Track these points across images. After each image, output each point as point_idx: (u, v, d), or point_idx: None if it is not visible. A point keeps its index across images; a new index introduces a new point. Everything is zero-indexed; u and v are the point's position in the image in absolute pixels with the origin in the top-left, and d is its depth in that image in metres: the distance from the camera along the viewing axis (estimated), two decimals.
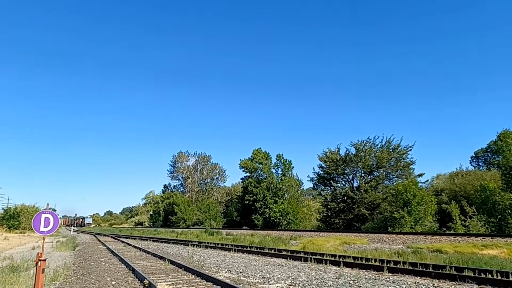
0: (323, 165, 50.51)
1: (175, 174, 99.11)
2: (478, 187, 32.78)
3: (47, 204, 7.96)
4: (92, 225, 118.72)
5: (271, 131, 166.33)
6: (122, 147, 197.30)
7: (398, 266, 11.92)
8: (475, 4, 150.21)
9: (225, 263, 14.18)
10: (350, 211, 44.38)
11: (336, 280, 9.87)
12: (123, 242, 29.64)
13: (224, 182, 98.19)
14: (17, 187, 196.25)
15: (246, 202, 60.30)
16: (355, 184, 47.58)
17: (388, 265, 11.96)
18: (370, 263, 12.91)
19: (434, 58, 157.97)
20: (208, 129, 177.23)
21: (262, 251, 18.85)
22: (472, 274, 9.80)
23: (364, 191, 43.96)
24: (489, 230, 28.77)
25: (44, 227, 7.64)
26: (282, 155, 63.04)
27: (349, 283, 9.38)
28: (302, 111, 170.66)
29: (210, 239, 31.86)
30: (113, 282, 9.97)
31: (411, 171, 43.89)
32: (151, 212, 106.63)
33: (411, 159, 44.44)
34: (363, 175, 47.02)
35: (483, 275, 9.71)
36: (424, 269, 11.09)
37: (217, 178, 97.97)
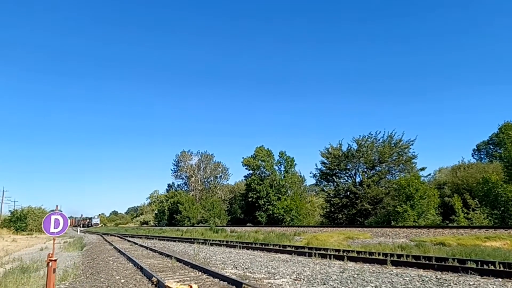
0: (325, 161, 50.68)
1: (179, 173, 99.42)
2: (481, 179, 32.90)
3: (56, 206, 8.17)
4: (99, 225, 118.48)
5: (273, 129, 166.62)
6: (126, 147, 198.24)
7: (401, 259, 12.10)
8: None
9: (230, 260, 14.39)
10: (353, 206, 44.55)
11: (340, 274, 10.06)
12: (129, 241, 29.91)
13: (227, 180, 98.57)
14: (23, 189, 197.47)
15: (250, 199, 60.57)
16: (358, 179, 47.72)
17: (392, 258, 12.14)
18: (373, 257, 13.09)
19: (434, 52, 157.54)
20: (210, 127, 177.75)
21: (266, 247, 19.05)
22: (474, 266, 9.97)
23: (367, 186, 44.10)
24: (492, 222, 28.90)
25: (54, 228, 7.84)
26: (284, 152, 63.23)
27: (353, 276, 9.56)
28: (303, 107, 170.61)
29: (215, 236, 32.11)
30: (122, 281, 10.19)
31: (413, 165, 43.99)
32: (156, 211, 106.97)
33: (413, 153, 44.57)
34: (365, 170, 47.17)
35: (485, 267, 9.87)
36: (427, 262, 11.26)
37: (220, 176, 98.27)
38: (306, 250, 16.41)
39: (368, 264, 12.14)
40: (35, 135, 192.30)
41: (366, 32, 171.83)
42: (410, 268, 10.86)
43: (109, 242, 29.11)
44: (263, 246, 19.57)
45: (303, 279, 9.60)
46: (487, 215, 29.69)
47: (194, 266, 12.33)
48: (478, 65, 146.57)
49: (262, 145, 64.19)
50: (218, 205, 73.93)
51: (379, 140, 46.51)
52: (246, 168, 64.96)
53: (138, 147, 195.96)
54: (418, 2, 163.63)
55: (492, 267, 9.80)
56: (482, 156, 66.53)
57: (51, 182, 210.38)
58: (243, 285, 8.21)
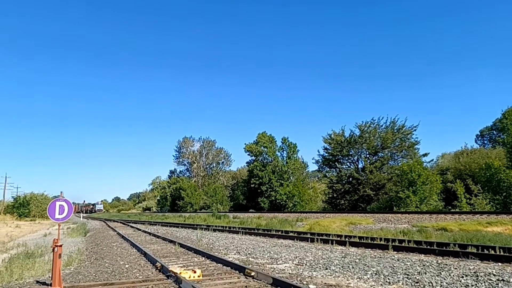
0: (328, 147, 50.73)
1: (181, 160, 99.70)
2: (483, 165, 32.89)
3: (61, 192, 8.21)
4: (103, 211, 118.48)
5: (276, 115, 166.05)
6: (128, 133, 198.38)
7: (403, 244, 12.19)
8: None
9: (233, 245, 14.51)
10: (355, 192, 44.72)
11: (342, 259, 10.14)
12: (132, 227, 30.16)
13: (229, 166, 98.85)
14: (25, 176, 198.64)
15: (252, 185, 60.82)
16: (360, 165, 47.82)
17: (393, 243, 12.21)
18: (375, 242, 13.19)
19: (438, 37, 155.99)
20: (212, 113, 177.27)
21: (269, 233, 19.19)
22: (475, 251, 10.04)
23: (369, 172, 44.19)
24: (494, 207, 28.99)
25: (59, 214, 7.91)
26: (287, 138, 63.27)
27: (355, 261, 9.64)
28: (306, 93, 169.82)
29: (217, 222, 32.33)
30: (126, 266, 10.30)
31: (415, 151, 44.03)
32: (158, 198, 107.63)
33: (416, 139, 44.58)
34: (368, 156, 47.22)
35: (486, 252, 9.94)
36: (428, 247, 11.33)
37: (223, 162, 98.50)
38: (309, 235, 16.52)
39: (370, 249, 12.23)
40: (37, 121, 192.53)
41: (368, 16, 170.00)
42: (412, 253, 10.94)
43: (112, 228, 29.36)
44: (266, 232, 19.71)
45: (306, 264, 9.69)
46: (489, 201, 29.78)
47: (197, 252, 12.45)
48: (482, 50, 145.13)
49: (265, 131, 64.23)
50: (221, 191, 74.28)
51: (381, 126, 46.49)
52: (249, 154, 65.15)
53: (140, 133, 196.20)
54: None
55: (492, 252, 9.87)
56: (486, 142, 66.44)
57: (53, 168, 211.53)
58: (246, 270, 8.29)
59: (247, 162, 68.42)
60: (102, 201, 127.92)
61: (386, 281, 7.42)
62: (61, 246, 7.60)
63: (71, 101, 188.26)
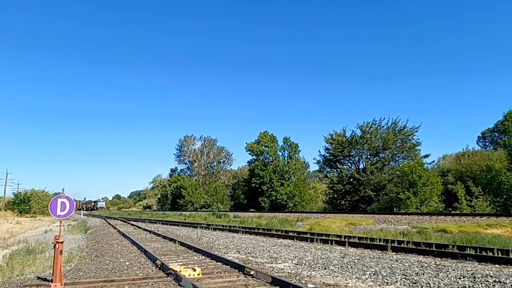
0: (329, 147, 50.81)
1: (182, 158, 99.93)
2: (484, 167, 32.91)
3: (63, 189, 8.28)
4: (105, 209, 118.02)
5: (277, 114, 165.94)
6: (129, 131, 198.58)
7: (401, 245, 12.23)
8: None
9: (233, 244, 14.58)
10: (356, 193, 44.77)
11: (341, 259, 10.20)
12: (132, 225, 30.26)
13: (230, 166, 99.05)
14: (26, 172, 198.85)
15: (253, 185, 60.91)
16: (361, 166, 47.88)
17: (392, 244, 12.26)
18: (374, 243, 13.24)
19: (439, 38, 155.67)
20: (214, 112, 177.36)
21: (269, 232, 19.25)
22: (473, 252, 10.09)
23: (370, 172, 44.23)
24: (494, 210, 29.01)
25: (60, 211, 7.97)
26: (289, 138, 63.33)
27: (354, 262, 9.70)
28: (308, 92, 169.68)
29: (218, 221, 32.40)
30: (127, 263, 10.37)
31: (417, 152, 44.06)
32: (159, 196, 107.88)
33: (417, 140, 44.61)
34: (369, 157, 47.28)
35: (484, 253, 9.98)
36: (427, 248, 11.39)
37: (224, 161, 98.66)
38: (308, 235, 16.57)
39: (369, 249, 12.28)
40: (38, 117, 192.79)
41: (370, 16, 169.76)
42: (410, 254, 10.99)
43: (112, 225, 29.45)
44: (266, 231, 19.77)
45: (305, 264, 9.75)
46: (490, 203, 29.79)
47: (197, 250, 12.51)
48: (484, 51, 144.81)
49: (266, 131, 64.29)
50: (221, 190, 74.38)
51: (383, 126, 46.54)
52: (250, 154, 65.28)
53: (141, 131, 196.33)
54: None
55: (490, 254, 9.91)
56: (487, 144, 66.42)
57: (54, 165, 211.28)
58: (246, 268, 8.35)
59: (248, 162, 68.61)
60: (102, 198, 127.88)
61: (384, 282, 7.48)
62: (62, 242, 7.67)
63: (73, 98, 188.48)
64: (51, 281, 7.41)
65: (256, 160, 63.51)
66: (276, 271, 8.83)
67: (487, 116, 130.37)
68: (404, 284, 7.21)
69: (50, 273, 8.47)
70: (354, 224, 24.51)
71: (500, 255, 9.65)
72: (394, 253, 11.36)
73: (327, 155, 51.21)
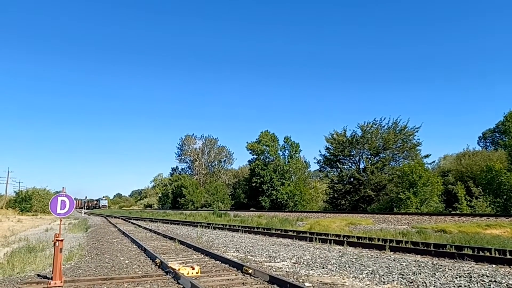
0: (330, 146, 50.84)
1: (183, 157, 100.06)
2: (484, 167, 32.93)
3: (63, 187, 8.35)
4: (107, 207, 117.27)
5: (279, 113, 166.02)
6: (130, 130, 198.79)
7: (400, 245, 12.28)
8: None
9: (233, 243, 14.65)
10: (356, 193, 44.82)
11: (339, 258, 10.26)
12: (133, 224, 30.34)
13: (231, 165, 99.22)
14: (27, 170, 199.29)
15: (253, 184, 61.01)
16: (361, 166, 47.94)
17: (391, 244, 12.32)
18: (373, 242, 13.30)
19: (441, 39, 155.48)
20: (215, 111, 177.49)
21: (268, 231, 19.30)
22: (470, 252, 10.14)
23: (370, 172, 44.27)
24: (494, 210, 29.03)
25: (60, 209, 8.05)
26: (290, 137, 63.43)
27: (352, 261, 9.76)
28: (310, 92, 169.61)
29: (218, 220, 32.48)
30: (126, 261, 10.45)
31: (417, 152, 44.08)
32: (159, 195, 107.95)
33: (418, 141, 44.64)
34: (369, 156, 47.32)
35: (481, 253, 10.03)
36: (425, 248, 11.44)
37: (225, 160, 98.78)
38: (308, 235, 16.64)
39: (367, 249, 12.34)
40: (40, 116, 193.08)
41: (372, 18, 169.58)
42: (408, 254, 11.04)
43: (113, 224, 29.54)
44: (265, 231, 19.82)
45: (303, 263, 9.81)
46: (490, 203, 29.81)
47: (196, 249, 12.58)
48: (486, 52, 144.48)
49: (267, 130, 64.38)
50: (222, 190, 74.50)
51: (383, 126, 46.59)
52: (250, 153, 65.41)
53: (142, 130, 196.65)
54: None
55: (487, 254, 9.97)
56: (488, 144, 66.47)
57: (55, 163, 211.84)
58: (244, 267, 8.42)
59: (249, 161, 68.73)
60: (103, 197, 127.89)
61: (381, 281, 7.54)
62: (62, 240, 7.74)
63: (75, 97, 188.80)
64: (51, 278, 7.49)
65: (256, 160, 63.61)
66: (274, 269, 8.90)
67: (488, 116, 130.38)
68: (401, 283, 7.27)
69: (50, 271, 8.54)
70: (354, 224, 24.56)
71: (497, 255, 9.70)
72: (392, 252, 11.42)
73: (328, 154, 51.27)
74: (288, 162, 61.98)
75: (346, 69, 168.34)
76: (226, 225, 25.14)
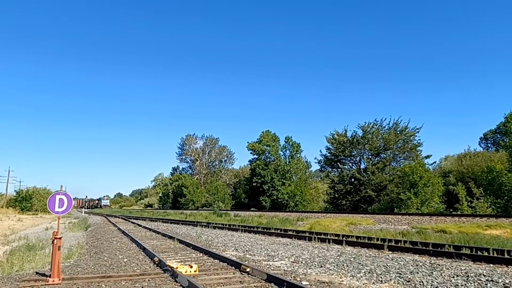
0: (330, 147, 50.83)
1: (184, 157, 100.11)
2: (485, 168, 32.90)
3: (61, 186, 8.38)
4: (109, 207, 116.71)
5: (280, 114, 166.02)
6: (131, 130, 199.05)
7: (398, 245, 12.30)
8: None
9: (232, 242, 14.66)
10: (357, 193, 44.81)
11: (338, 257, 10.26)
12: (133, 223, 30.39)
13: (232, 165, 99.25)
14: (28, 169, 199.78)
15: (254, 184, 61.01)
16: (362, 166, 47.93)
17: (389, 243, 12.33)
18: (372, 242, 13.31)
19: (441, 40, 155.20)
20: (216, 111, 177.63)
21: (268, 231, 19.32)
22: (468, 252, 10.14)
23: (371, 173, 44.25)
24: (495, 211, 28.99)
25: (58, 207, 8.08)
26: (291, 137, 63.40)
27: (350, 260, 9.77)
28: (311, 92, 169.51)
29: (218, 220, 32.50)
30: (125, 260, 10.47)
31: (418, 152, 44.04)
32: (160, 194, 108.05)
33: (419, 141, 44.61)
34: (370, 157, 47.30)
35: (480, 253, 10.03)
36: (423, 248, 11.44)
37: (225, 160, 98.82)
38: (307, 234, 16.67)
39: (365, 248, 12.35)
40: (41, 116, 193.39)
41: (373, 18, 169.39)
42: (406, 253, 11.05)
43: (113, 223, 29.59)
44: (265, 230, 19.84)
45: (301, 262, 9.83)
46: (491, 204, 29.77)
47: (195, 248, 12.61)
48: (487, 53, 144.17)
49: (268, 130, 64.37)
50: (223, 189, 74.53)
51: (384, 127, 46.57)
52: (251, 153, 65.40)
53: (143, 130, 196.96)
54: None
55: (486, 254, 9.97)
56: (489, 145, 66.34)
57: (56, 163, 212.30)
58: (242, 265, 8.44)
59: (249, 161, 68.73)
60: (104, 196, 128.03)
61: (379, 280, 7.55)
62: (60, 238, 7.77)
63: (76, 97, 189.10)
64: (49, 276, 7.51)
65: (257, 160, 63.63)
66: (272, 268, 8.91)
67: (490, 117, 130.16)
68: (398, 282, 7.28)
69: (49, 268, 8.55)
70: (354, 224, 24.55)
71: (495, 255, 9.70)
72: (390, 252, 11.43)
73: (328, 154, 51.27)
74: (289, 162, 61.97)
75: (346, 69, 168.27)
76: (226, 224, 25.16)
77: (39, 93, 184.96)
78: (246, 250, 12.30)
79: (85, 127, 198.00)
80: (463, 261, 9.48)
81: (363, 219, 26.55)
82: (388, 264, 9.02)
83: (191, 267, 8.29)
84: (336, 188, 48.13)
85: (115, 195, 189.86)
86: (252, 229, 21.03)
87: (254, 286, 6.99)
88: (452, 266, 8.65)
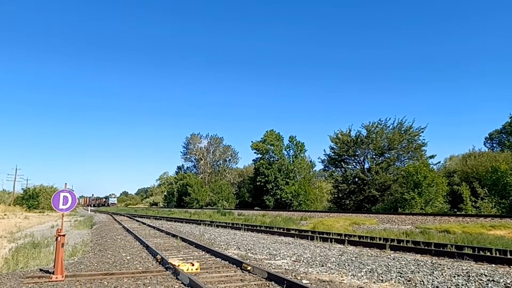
0: (334, 146, 50.71)
1: (188, 156, 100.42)
2: (490, 168, 32.73)
3: (65, 183, 8.47)
4: (116, 205, 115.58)
5: (284, 113, 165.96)
6: (137, 129, 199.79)
7: (401, 244, 12.30)
8: None
9: (234, 241, 14.72)
10: (360, 193, 44.72)
11: (339, 257, 10.30)
12: (138, 221, 30.53)
13: (236, 164, 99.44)
14: (35, 168, 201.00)
15: (258, 183, 61.06)
16: (366, 166, 47.76)
17: (392, 243, 12.33)
18: (374, 241, 13.31)
19: (446, 40, 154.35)
20: (220, 111, 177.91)
21: (271, 230, 19.35)
22: (470, 252, 10.13)
23: (375, 172, 44.12)
24: (500, 211, 28.85)
25: (63, 205, 8.17)
26: (295, 136, 63.38)
27: (351, 259, 9.79)
28: (315, 92, 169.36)
29: (222, 219, 32.59)
30: (128, 257, 10.56)
31: (422, 152, 43.84)
32: (165, 193, 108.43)
33: (423, 141, 44.39)
34: (374, 156, 47.13)
35: (482, 253, 10.02)
36: (425, 247, 11.43)
37: (230, 159, 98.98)
38: (309, 233, 16.69)
39: (367, 248, 12.36)
40: (47, 114, 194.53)
41: (377, 18, 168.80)
42: (408, 253, 11.05)
43: (118, 221, 29.76)
44: (268, 229, 19.88)
45: (303, 261, 9.87)
46: (495, 204, 29.63)
47: (198, 246, 12.68)
48: (492, 53, 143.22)
49: (272, 129, 64.36)
50: (227, 188, 74.64)
51: (389, 126, 46.39)
52: (255, 152, 65.40)
53: (148, 129, 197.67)
54: None
55: (488, 254, 9.95)
56: (494, 145, 65.86)
57: (63, 161, 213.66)
58: (243, 264, 8.49)
59: (253, 160, 68.75)
60: (110, 195, 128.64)
61: (379, 279, 7.57)
62: (64, 235, 7.86)
63: (82, 96, 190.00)
64: (53, 273, 7.60)
65: (261, 159, 63.67)
66: (273, 267, 8.96)
67: (495, 117, 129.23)
68: (399, 282, 7.30)
69: (53, 266, 8.66)
70: (357, 224, 24.53)
71: (497, 255, 9.68)
72: (392, 251, 11.43)
73: (332, 154, 51.15)
74: (293, 161, 61.95)
75: (347, 69, 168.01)
76: (229, 223, 25.24)
77: (46, 92, 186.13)
78: (248, 249, 12.36)
79: (92, 126, 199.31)
80: (465, 261, 9.47)
81: (367, 218, 26.53)
82: (390, 264, 9.04)
83: (193, 265, 8.36)
84: (340, 187, 48.06)
85: (121, 194, 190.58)
86: (255, 228, 21.09)
87: (255, 284, 7.04)
88: (454, 266, 8.65)
